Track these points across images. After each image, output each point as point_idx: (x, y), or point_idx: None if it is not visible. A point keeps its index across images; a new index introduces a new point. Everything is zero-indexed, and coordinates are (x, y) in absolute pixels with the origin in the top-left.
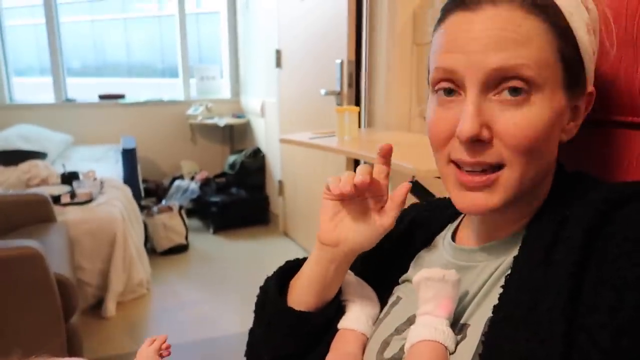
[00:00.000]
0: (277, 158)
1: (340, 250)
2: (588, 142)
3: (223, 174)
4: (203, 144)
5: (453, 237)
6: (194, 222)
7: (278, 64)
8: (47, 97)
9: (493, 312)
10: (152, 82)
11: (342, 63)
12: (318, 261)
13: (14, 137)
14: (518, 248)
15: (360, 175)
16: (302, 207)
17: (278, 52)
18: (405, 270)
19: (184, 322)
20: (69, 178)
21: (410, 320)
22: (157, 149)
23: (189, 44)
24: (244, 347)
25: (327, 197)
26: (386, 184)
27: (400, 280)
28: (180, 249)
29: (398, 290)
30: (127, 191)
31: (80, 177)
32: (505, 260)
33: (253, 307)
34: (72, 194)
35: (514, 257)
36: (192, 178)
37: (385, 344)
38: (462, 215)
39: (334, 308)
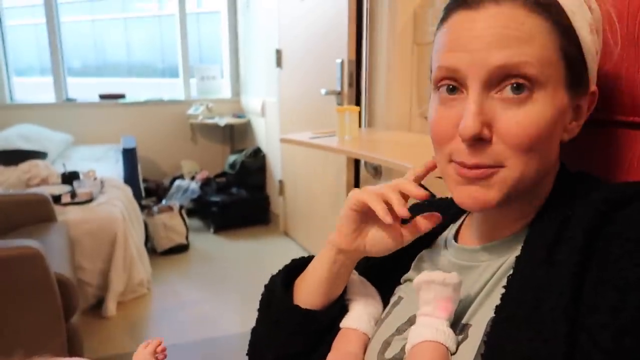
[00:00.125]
0: (277, 158)
1: (355, 256)
2: (590, 141)
3: (223, 174)
4: (203, 144)
5: (455, 237)
6: (195, 222)
7: (278, 63)
8: (48, 96)
9: (495, 312)
10: (152, 81)
11: (342, 63)
12: (329, 263)
13: (15, 137)
14: (520, 248)
15: (400, 208)
16: (302, 206)
17: (278, 52)
18: (407, 269)
19: (185, 322)
20: (69, 178)
21: (411, 321)
22: (157, 148)
23: (189, 43)
24: (244, 347)
25: (356, 210)
26: (406, 189)
27: (402, 280)
28: (180, 249)
29: (400, 290)
30: (128, 191)
31: (81, 176)
32: (507, 260)
33: (254, 307)
34: (73, 194)
35: (516, 257)
36: (193, 178)
37: (387, 344)
38: (464, 215)
39: (339, 308)
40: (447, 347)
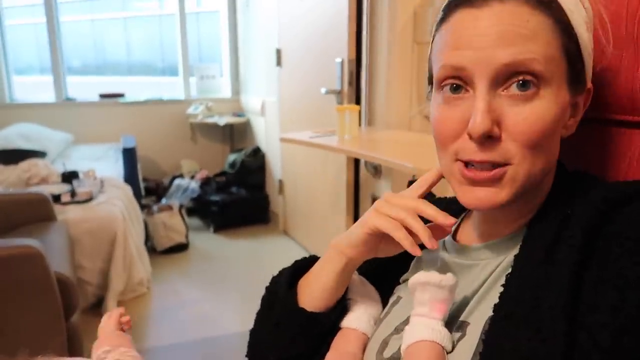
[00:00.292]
0: (277, 157)
1: (362, 261)
2: (589, 141)
3: (223, 173)
4: (203, 143)
5: (454, 236)
6: (194, 221)
7: (278, 62)
8: (48, 96)
9: (494, 311)
10: (152, 80)
11: (342, 62)
12: (337, 272)
13: (14, 136)
14: (519, 246)
15: (429, 240)
16: (302, 206)
17: (278, 51)
18: (406, 269)
19: (185, 321)
20: (69, 177)
21: (410, 320)
22: (157, 148)
23: (189, 42)
24: (244, 346)
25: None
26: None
27: (401, 279)
28: (180, 248)
29: (399, 290)
30: (128, 190)
31: (81, 176)
32: (506, 259)
33: (254, 306)
34: (73, 193)
35: (515, 256)
36: (193, 177)
37: (385, 343)
38: (463, 214)
39: (340, 309)
40: (442, 347)
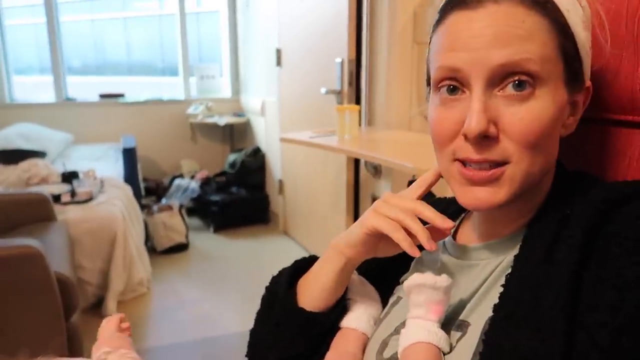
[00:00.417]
0: (277, 157)
1: (361, 261)
2: (588, 141)
3: (223, 173)
4: (203, 143)
5: (454, 236)
6: (194, 221)
7: (278, 62)
8: (48, 96)
9: (493, 311)
10: (152, 81)
11: (342, 62)
12: (337, 272)
13: (14, 136)
14: (519, 246)
15: (428, 242)
16: (302, 206)
17: (278, 51)
18: (406, 270)
19: (185, 321)
20: (69, 177)
21: (405, 323)
22: (157, 148)
23: (189, 42)
24: (244, 346)
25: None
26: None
27: (401, 280)
28: (180, 248)
29: (398, 290)
30: (128, 190)
31: (81, 176)
32: (505, 259)
33: (254, 306)
34: (73, 193)
35: (515, 256)
36: (193, 177)
37: (385, 344)
38: (463, 214)
39: (340, 309)
40: (439, 348)
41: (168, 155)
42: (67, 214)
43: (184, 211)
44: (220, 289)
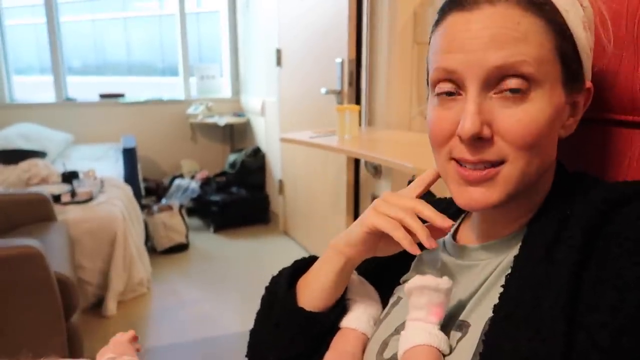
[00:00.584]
0: (277, 157)
1: (360, 260)
2: (588, 141)
3: (223, 173)
4: (203, 143)
5: (454, 236)
6: (195, 221)
7: (278, 62)
8: (48, 96)
9: (494, 312)
10: (152, 81)
11: (342, 62)
12: (336, 271)
13: (14, 136)
14: (519, 247)
15: (428, 240)
16: (302, 206)
17: (278, 51)
18: (406, 270)
19: (185, 321)
20: (69, 177)
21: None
22: (157, 148)
23: (189, 43)
24: (244, 346)
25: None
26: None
27: (401, 280)
28: (180, 248)
29: (399, 291)
30: (128, 190)
31: (81, 176)
32: (505, 259)
33: (254, 306)
34: (73, 193)
35: (515, 256)
36: (193, 177)
37: (385, 344)
38: (463, 215)
39: (340, 309)
40: (440, 351)
41: (168, 156)
42: (67, 214)
43: (184, 211)
44: (220, 289)
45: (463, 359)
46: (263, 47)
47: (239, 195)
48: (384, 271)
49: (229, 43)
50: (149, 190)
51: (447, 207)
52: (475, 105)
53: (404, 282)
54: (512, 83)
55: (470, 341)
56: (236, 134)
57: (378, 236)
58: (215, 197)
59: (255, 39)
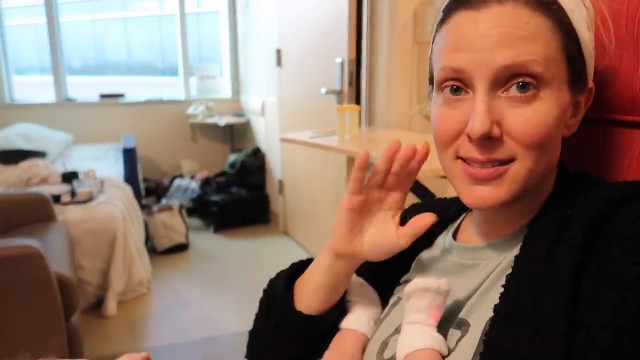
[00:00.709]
0: (277, 157)
1: (354, 261)
2: (589, 141)
3: (223, 173)
4: (203, 143)
5: (455, 236)
6: (195, 221)
7: (278, 63)
8: (48, 96)
9: (494, 311)
10: (152, 81)
11: (342, 62)
12: (329, 270)
13: (14, 136)
14: (519, 246)
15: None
16: (302, 206)
17: (278, 51)
18: (406, 270)
19: (185, 321)
20: (69, 177)
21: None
22: (157, 148)
23: (189, 43)
24: (244, 346)
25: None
26: (402, 197)
27: (401, 280)
28: (180, 248)
29: (399, 291)
30: (128, 190)
31: (81, 176)
32: (506, 258)
33: (253, 306)
34: (73, 193)
35: (516, 256)
36: (193, 177)
37: (385, 344)
38: (463, 215)
39: (339, 312)
40: (440, 353)
41: (168, 156)
42: (67, 214)
43: (184, 211)
44: (220, 289)
45: (463, 359)
46: (263, 47)
47: (239, 195)
48: (384, 272)
49: (229, 43)
50: (149, 190)
51: (448, 206)
52: (485, 104)
53: (404, 282)
54: (521, 82)
55: (470, 341)
56: (236, 134)
57: (357, 212)
58: (215, 197)
59: (255, 39)
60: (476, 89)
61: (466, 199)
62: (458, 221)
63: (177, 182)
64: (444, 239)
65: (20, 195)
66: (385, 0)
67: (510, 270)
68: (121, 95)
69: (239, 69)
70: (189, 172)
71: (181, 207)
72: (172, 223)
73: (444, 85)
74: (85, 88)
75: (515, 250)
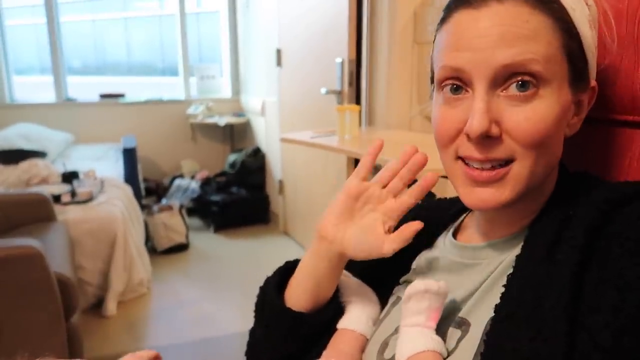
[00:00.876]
0: (277, 157)
1: (334, 248)
2: (589, 141)
3: (223, 173)
4: (203, 143)
5: (455, 236)
6: (195, 221)
7: (278, 62)
8: (48, 96)
9: (495, 311)
10: (152, 81)
11: (342, 62)
12: (312, 254)
13: (15, 136)
14: (520, 246)
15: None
16: (302, 206)
17: (278, 51)
18: (406, 270)
19: (184, 321)
20: (69, 177)
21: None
22: (157, 148)
23: (189, 43)
24: (244, 346)
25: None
26: (400, 209)
27: (401, 280)
28: (180, 248)
29: (398, 291)
30: (128, 190)
31: (81, 176)
32: (507, 258)
33: (253, 306)
34: (73, 193)
35: (517, 256)
36: (193, 177)
37: (385, 344)
38: (464, 215)
39: (332, 311)
40: (441, 355)
41: (168, 156)
42: (67, 214)
43: (184, 211)
44: (220, 289)
45: (464, 358)
46: (263, 47)
47: (239, 195)
48: (384, 272)
49: (229, 43)
50: (149, 190)
51: (448, 207)
52: (484, 103)
53: (404, 282)
54: (521, 81)
55: (471, 341)
56: (236, 134)
57: (353, 199)
58: (216, 197)
59: (255, 39)
60: (475, 88)
61: (467, 201)
62: (458, 221)
63: (177, 182)
64: (444, 239)
65: (20, 195)
66: (385, 0)
67: (511, 270)
68: (121, 95)
69: (239, 69)
70: (189, 172)
71: (181, 207)
72: (172, 223)
73: (444, 84)
74: (85, 88)
75: (517, 250)
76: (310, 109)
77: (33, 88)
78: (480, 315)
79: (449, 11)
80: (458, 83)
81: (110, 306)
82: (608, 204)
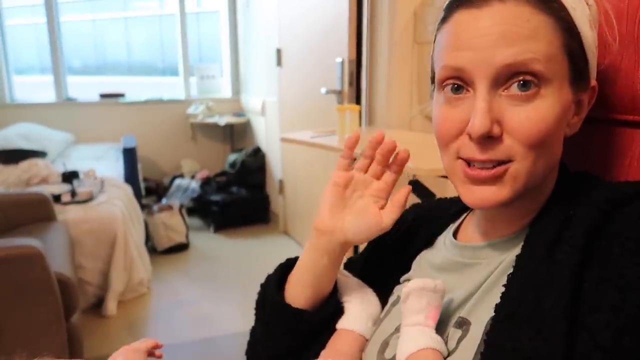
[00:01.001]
0: (277, 157)
1: (334, 239)
2: (589, 140)
3: (223, 173)
4: (203, 143)
5: (455, 235)
6: (195, 221)
7: (279, 62)
8: (48, 96)
9: (495, 311)
10: (152, 80)
11: (342, 62)
12: (311, 249)
13: (15, 136)
14: (521, 246)
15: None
16: (302, 206)
17: (278, 51)
18: (407, 270)
19: (184, 321)
20: (69, 177)
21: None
22: (157, 147)
23: (189, 42)
24: (244, 346)
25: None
26: (386, 187)
27: (401, 280)
28: (180, 248)
29: (398, 290)
30: (128, 190)
31: (81, 175)
32: (507, 258)
33: (253, 306)
34: (73, 193)
35: (517, 256)
36: (193, 177)
37: (385, 344)
38: (464, 215)
39: (331, 308)
40: (441, 353)
41: (168, 155)
42: (67, 214)
43: (184, 211)
44: (220, 288)
45: (465, 358)
46: (263, 47)
47: (239, 195)
48: (384, 272)
49: (229, 43)
50: (149, 190)
51: (449, 207)
52: (485, 103)
53: (404, 281)
54: (522, 81)
55: (471, 341)
56: (236, 133)
57: (342, 187)
58: (216, 197)
59: (256, 39)
60: (477, 88)
61: (466, 199)
62: (459, 221)
63: (177, 181)
64: (444, 239)
65: (20, 195)
66: (385, 0)
67: (511, 270)
68: (121, 95)
69: (239, 68)
70: (189, 171)
71: (181, 207)
72: (172, 223)
73: (444, 84)
74: (85, 88)
75: (517, 250)
76: (310, 108)
77: (33, 88)
78: (480, 315)
79: (449, 10)
80: (459, 83)
81: (110, 306)
82: (609, 203)
